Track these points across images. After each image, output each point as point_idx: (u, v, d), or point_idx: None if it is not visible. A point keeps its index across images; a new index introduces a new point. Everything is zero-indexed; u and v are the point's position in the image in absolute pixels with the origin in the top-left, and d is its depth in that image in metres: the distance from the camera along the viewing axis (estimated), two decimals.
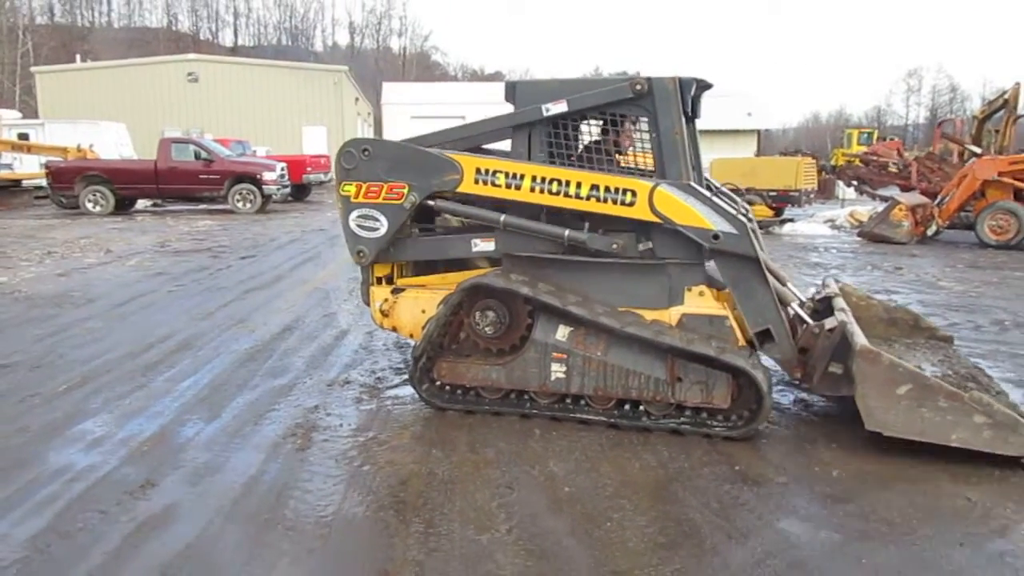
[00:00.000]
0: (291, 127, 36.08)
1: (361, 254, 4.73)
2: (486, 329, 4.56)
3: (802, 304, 4.81)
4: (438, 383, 4.71)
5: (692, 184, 4.21)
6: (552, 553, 3.09)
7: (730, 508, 3.48)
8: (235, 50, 67.09)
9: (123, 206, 19.70)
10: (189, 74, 36.45)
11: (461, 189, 4.48)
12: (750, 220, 4.55)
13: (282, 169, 20.51)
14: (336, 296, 8.39)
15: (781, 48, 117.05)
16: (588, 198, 4.26)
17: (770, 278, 4.31)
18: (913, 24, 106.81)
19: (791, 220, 17.25)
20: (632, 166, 4.58)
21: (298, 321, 7.19)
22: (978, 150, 18.67)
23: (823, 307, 5.04)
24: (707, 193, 4.25)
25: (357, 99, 41.77)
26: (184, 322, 7.14)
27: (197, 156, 19.47)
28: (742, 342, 4.31)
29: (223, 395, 5.05)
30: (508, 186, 4.39)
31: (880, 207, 16.39)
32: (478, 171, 4.43)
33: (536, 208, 4.41)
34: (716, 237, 4.15)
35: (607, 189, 4.22)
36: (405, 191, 4.55)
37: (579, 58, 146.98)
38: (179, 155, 19.41)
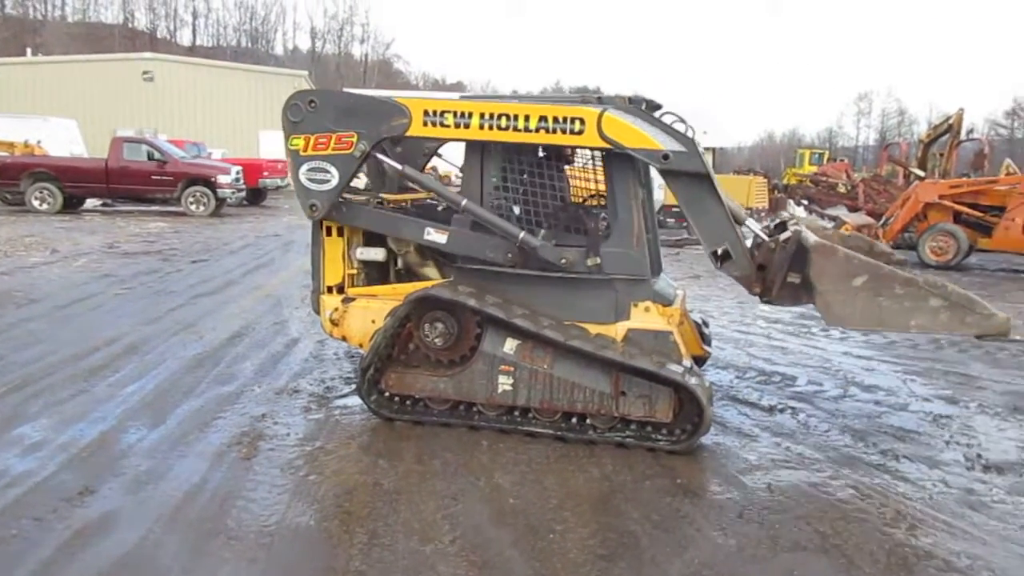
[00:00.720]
0: (248, 130, 35.63)
1: (314, 208, 4.69)
2: (435, 340, 4.59)
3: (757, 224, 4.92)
4: (386, 394, 4.72)
5: (640, 109, 4.28)
6: (494, 564, 3.13)
7: (670, 520, 3.57)
8: (193, 50, 65.98)
9: (71, 205, 19.24)
10: (145, 73, 35.80)
11: (410, 133, 4.49)
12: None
13: (237, 172, 20.25)
14: (288, 303, 8.33)
15: (738, 67, 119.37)
16: (537, 130, 4.29)
17: (723, 196, 4.40)
18: (864, 48, 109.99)
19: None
20: (583, 179, 4.68)
21: (248, 328, 7.13)
22: (921, 173, 19.30)
23: (779, 231, 5.10)
24: (654, 116, 4.31)
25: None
26: (131, 326, 7.02)
27: (150, 156, 19.10)
28: (686, 357, 4.41)
29: (168, 401, 4.99)
30: (457, 126, 4.40)
31: (829, 226, 16.79)
32: (426, 113, 4.44)
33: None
34: (666, 157, 4.20)
35: (555, 120, 4.26)
36: (354, 139, 4.54)
37: (541, 71, 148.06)
38: (131, 155, 19.03)
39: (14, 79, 35.85)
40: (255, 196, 23.53)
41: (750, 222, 4.69)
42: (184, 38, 74.08)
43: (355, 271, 5.04)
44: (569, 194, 4.78)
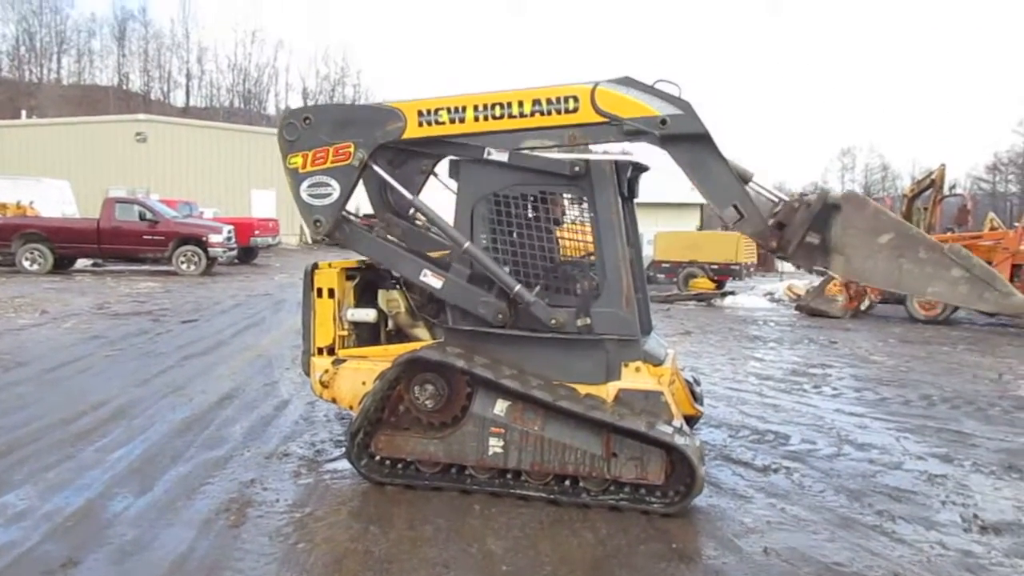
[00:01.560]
0: (240, 189, 35.85)
1: (318, 223, 4.68)
2: (426, 403, 4.56)
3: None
4: (376, 457, 4.67)
5: (629, 76, 4.29)
6: None
7: None
8: (186, 111, 66.91)
9: (62, 265, 19.23)
10: (138, 134, 36.12)
11: (407, 136, 4.51)
12: None
13: (229, 232, 20.34)
14: (279, 364, 8.28)
15: (725, 121, 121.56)
16: (532, 114, 4.33)
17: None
18: (847, 104, 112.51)
19: (732, 293, 17.71)
20: (573, 239, 4.72)
21: (238, 389, 7.07)
22: None
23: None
24: (645, 83, 4.30)
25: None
26: (119, 388, 6.96)
27: (142, 216, 19.20)
28: (678, 418, 4.40)
29: (156, 467, 4.92)
30: (452, 121, 4.43)
31: (816, 281, 16.95)
32: (420, 114, 4.48)
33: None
34: (664, 122, 4.20)
35: (549, 101, 4.29)
36: (352, 149, 4.56)
37: None
38: (123, 215, 19.12)
39: (9, 141, 36.15)
40: (246, 255, 23.58)
41: (757, 181, 4.52)
42: (178, 99, 75.15)
43: (346, 332, 5.03)
44: (559, 254, 4.80)
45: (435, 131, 4.49)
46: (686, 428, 4.41)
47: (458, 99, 4.46)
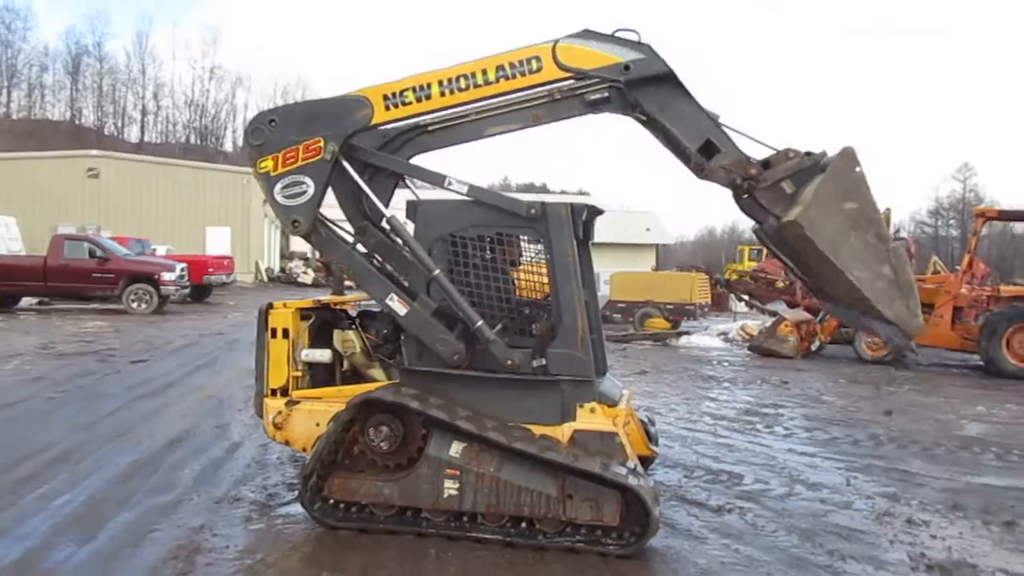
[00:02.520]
0: (195, 227, 35.33)
1: (296, 223, 4.58)
2: (381, 444, 4.52)
3: None
4: (330, 500, 4.60)
5: (587, 29, 4.34)
6: None
7: None
8: (141, 147, 66.02)
9: (6, 304, 18.68)
10: (90, 170, 35.46)
11: (376, 121, 4.50)
12: None
13: (182, 269, 20.02)
14: (230, 405, 8.13)
15: (679, 165, 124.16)
16: (497, 80, 4.36)
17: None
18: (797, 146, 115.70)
19: (687, 333, 17.93)
20: (529, 281, 4.76)
21: (188, 432, 6.92)
22: None
23: None
24: (604, 32, 4.36)
25: (265, 201, 41.48)
26: (64, 432, 6.75)
27: (91, 254, 18.82)
28: (633, 458, 4.43)
29: (100, 514, 4.77)
30: (419, 99, 4.43)
31: (768, 322, 17.27)
32: (386, 97, 4.48)
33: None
34: (627, 68, 4.25)
35: (512, 65, 4.34)
36: (322, 144, 4.50)
37: (490, 168, 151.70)
38: (72, 252, 18.72)
39: None
40: (200, 292, 23.18)
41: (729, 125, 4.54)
42: (132, 135, 74.25)
43: (300, 373, 4.99)
44: (515, 295, 4.83)
45: (403, 112, 4.49)
46: (640, 469, 4.44)
47: (422, 77, 4.48)
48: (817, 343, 15.27)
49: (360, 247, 4.81)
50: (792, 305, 19.79)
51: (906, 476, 6.21)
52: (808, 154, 4.36)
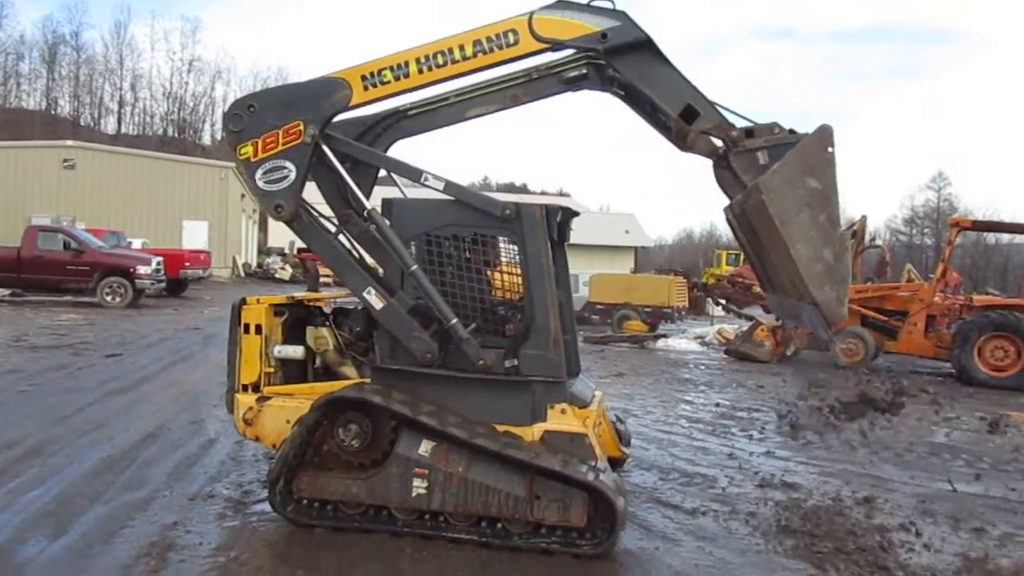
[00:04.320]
0: (172, 220, 34.96)
1: (279, 208, 4.52)
2: (352, 443, 4.50)
3: None
4: (296, 497, 4.56)
5: (560, 0, 4.36)
6: None
7: None
8: (117, 138, 65.18)
9: None
10: (65, 160, 34.97)
11: (355, 102, 4.48)
12: None
13: (158, 263, 19.80)
14: (206, 401, 8.06)
15: (659, 166, 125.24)
16: (475, 55, 4.36)
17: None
18: None
19: (664, 336, 18.03)
20: (503, 281, 4.77)
21: (162, 428, 6.86)
22: None
23: None
24: (579, 2, 4.36)
25: (243, 195, 41.16)
26: (35, 426, 6.66)
27: (66, 246, 18.59)
28: (602, 459, 4.44)
29: (72, 509, 4.72)
30: (397, 78, 4.43)
31: (745, 326, 17.42)
32: (364, 78, 4.46)
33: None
34: (604, 36, 4.27)
35: (489, 39, 4.35)
36: (302, 127, 4.47)
37: (470, 167, 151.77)
38: (46, 244, 18.49)
39: None
40: (175, 287, 22.94)
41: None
42: (109, 126, 73.29)
43: (272, 369, 4.97)
44: (489, 295, 4.80)
45: (382, 91, 4.48)
46: (607, 468, 4.45)
47: (399, 55, 4.46)
48: (792, 348, 15.43)
49: (342, 238, 4.78)
50: (768, 310, 19.99)
51: (879, 481, 6.29)
52: (792, 132, 4.37)
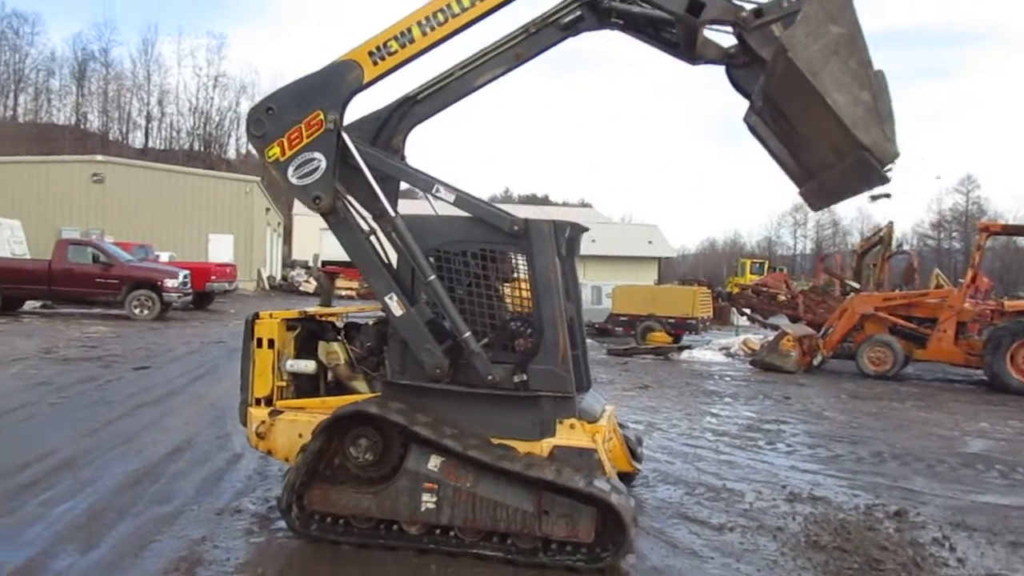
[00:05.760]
0: (198, 233, 35.42)
1: (317, 199, 4.54)
2: (366, 456, 4.51)
3: None
4: (307, 511, 4.57)
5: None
6: None
7: None
8: (145, 152, 66.21)
9: (10, 306, 18.71)
10: (94, 175, 35.57)
11: (368, 79, 4.51)
12: None
13: (185, 276, 20.04)
14: (232, 414, 8.05)
15: (682, 176, 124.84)
16: (473, 4, 4.40)
17: None
18: None
19: (689, 347, 17.91)
20: (511, 297, 4.76)
21: (190, 441, 6.92)
22: (856, 285, 20.09)
23: None
24: None
25: (268, 209, 41.60)
26: (66, 439, 6.75)
27: (95, 259, 18.87)
28: (612, 475, 4.41)
29: (102, 523, 4.77)
30: (403, 45, 4.45)
31: (771, 336, 17.26)
32: (371, 54, 4.50)
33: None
34: None
35: None
36: (322, 116, 4.51)
37: (491, 179, 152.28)
38: (76, 257, 18.79)
39: None
40: (202, 300, 23.22)
41: None
42: (136, 140, 74.48)
43: (284, 383, 5.00)
44: (497, 310, 4.75)
45: (391, 62, 4.49)
46: (619, 484, 4.41)
47: (401, 23, 4.49)
48: (819, 358, 15.24)
49: (373, 240, 4.77)
50: (794, 319, 19.81)
51: (910, 494, 6.18)
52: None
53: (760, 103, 4.55)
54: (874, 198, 4.51)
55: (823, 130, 4.11)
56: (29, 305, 19.90)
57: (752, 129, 4.88)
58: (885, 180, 4.04)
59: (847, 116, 3.90)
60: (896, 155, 4.02)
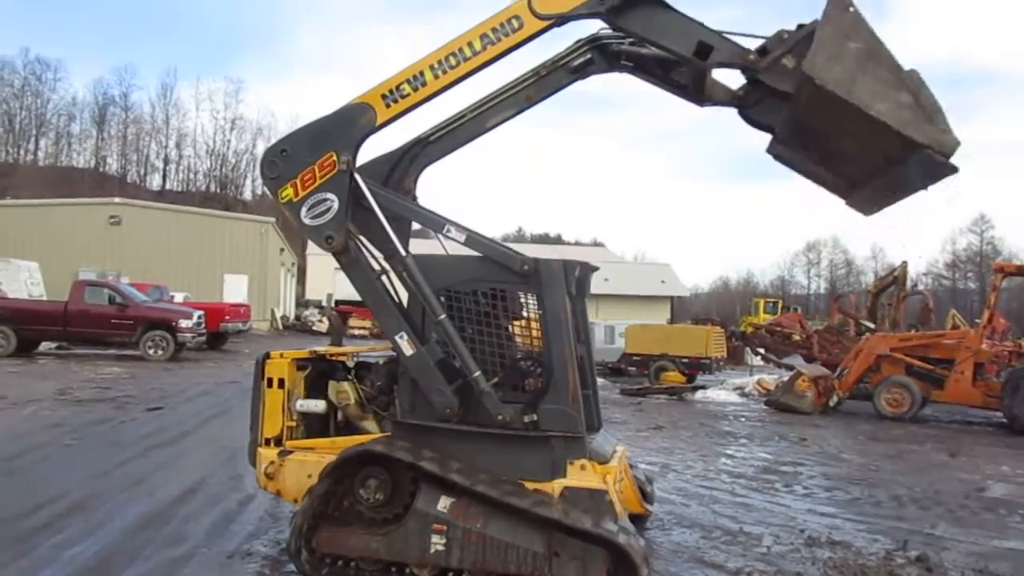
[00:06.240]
0: (213, 274, 35.71)
1: (330, 239, 4.56)
2: (376, 496, 4.47)
3: None
4: (317, 554, 4.53)
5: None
6: None
7: None
8: (162, 194, 67.07)
9: (26, 347, 18.84)
10: (112, 217, 36.08)
11: (381, 121, 4.54)
12: None
13: (199, 317, 20.16)
14: (244, 456, 8.01)
15: (694, 213, 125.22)
16: (484, 48, 4.40)
17: None
18: (811, 198, 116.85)
19: (703, 387, 17.77)
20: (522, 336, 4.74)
21: (202, 483, 6.90)
22: (871, 325, 19.95)
23: None
24: None
25: (282, 250, 41.94)
26: (79, 480, 6.75)
27: (111, 300, 19.03)
28: (623, 516, 4.35)
29: (113, 566, 4.75)
30: (415, 89, 4.48)
31: (785, 376, 17.11)
32: (384, 97, 4.53)
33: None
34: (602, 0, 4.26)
35: (495, 30, 4.39)
36: (335, 158, 4.53)
37: (504, 218, 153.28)
38: (92, 298, 18.95)
39: None
40: (216, 340, 23.31)
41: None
42: (154, 183, 75.54)
43: (294, 423, 4.99)
44: (508, 350, 4.74)
45: (404, 105, 4.54)
46: (630, 527, 4.35)
47: (413, 67, 4.53)
48: (835, 399, 15.06)
49: (385, 279, 4.79)
50: (809, 359, 19.66)
51: (931, 539, 6.06)
52: (800, 26, 4.27)
53: (786, 133, 4.55)
54: (948, 200, 4.46)
55: (868, 142, 4.10)
56: (44, 346, 20.03)
57: (779, 157, 4.86)
58: (954, 169, 3.98)
59: (895, 122, 3.87)
60: (957, 143, 3.96)
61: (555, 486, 4.37)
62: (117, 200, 39.72)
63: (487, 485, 4.29)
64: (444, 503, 4.38)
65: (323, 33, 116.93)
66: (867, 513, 6.87)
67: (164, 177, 76.76)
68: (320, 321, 39.02)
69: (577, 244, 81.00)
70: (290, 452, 4.86)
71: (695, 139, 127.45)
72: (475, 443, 4.50)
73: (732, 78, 4.64)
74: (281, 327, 38.15)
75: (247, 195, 75.66)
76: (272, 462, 4.83)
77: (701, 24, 4.37)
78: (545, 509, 4.20)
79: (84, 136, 76.38)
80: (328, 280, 42.48)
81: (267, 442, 4.94)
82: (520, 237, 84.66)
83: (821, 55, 3.92)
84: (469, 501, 4.34)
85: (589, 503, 4.30)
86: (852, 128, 4.08)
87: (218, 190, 75.61)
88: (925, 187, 4.21)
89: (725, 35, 4.37)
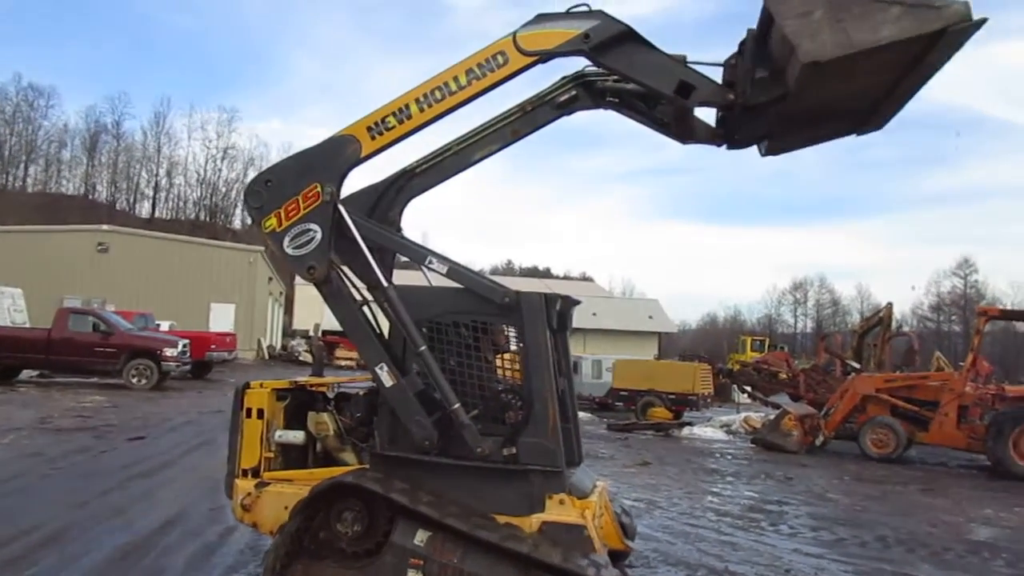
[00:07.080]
0: (200, 303, 35.54)
1: (312, 269, 4.51)
2: (354, 528, 4.42)
3: None
4: None
5: (540, 13, 4.37)
6: None
7: None
8: (151, 222, 66.88)
9: (7, 375, 18.62)
10: (99, 244, 35.95)
11: (365, 153, 4.52)
12: None
13: (184, 345, 19.99)
14: None
15: (683, 250, 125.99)
16: (469, 83, 4.40)
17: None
18: (797, 237, 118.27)
19: (690, 424, 17.74)
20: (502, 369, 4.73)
21: (182, 514, 6.80)
22: (857, 365, 20.04)
23: None
24: (556, 12, 4.38)
25: (271, 279, 41.82)
26: (56, 511, 6.63)
27: (95, 328, 18.86)
28: (602, 552, 4.31)
29: None
30: (401, 121, 4.47)
31: (772, 414, 17.11)
32: (369, 129, 4.51)
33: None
34: (587, 36, 4.27)
35: (480, 65, 4.39)
36: (319, 189, 4.51)
37: (494, 252, 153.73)
38: (76, 325, 18.78)
39: None
40: (201, 369, 23.11)
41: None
42: (143, 210, 75.38)
43: (272, 454, 4.93)
44: (488, 383, 4.66)
45: (389, 137, 4.54)
46: (608, 564, 4.30)
47: (399, 100, 4.55)
48: (821, 438, 15.07)
49: (366, 310, 4.78)
50: (795, 398, 19.69)
51: None
52: (742, 43, 4.28)
53: (781, 129, 4.57)
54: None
55: (883, 65, 4.07)
56: (26, 374, 19.79)
57: (779, 151, 4.85)
58: (980, 23, 3.93)
59: (912, 33, 3.81)
60: (967, 6, 3.85)
61: (533, 520, 4.31)
62: (105, 227, 39.61)
63: (456, 518, 4.23)
64: (421, 536, 4.31)
65: (318, 64, 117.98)
66: (852, 554, 6.85)
67: (153, 205, 76.77)
68: (306, 351, 38.78)
69: (566, 278, 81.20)
70: (267, 484, 4.79)
71: (685, 177, 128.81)
72: (453, 476, 4.46)
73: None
74: (267, 357, 37.88)
75: (236, 224, 75.55)
76: (249, 493, 4.76)
77: (682, 63, 4.43)
78: (515, 543, 4.14)
79: (74, 163, 76.43)
80: (316, 310, 42.32)
81: (244, 473, 4.88)
82: (509, 270, 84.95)
83: (804, 45, 3.87)
84: (446, 535, 4.29)
85: (567, 538, 4.23)
86: (866, 67, 4.04)
87: (208, 219, 75.55)
88: (955, 52, 4.16)
89: (706, 77, 4.41)
